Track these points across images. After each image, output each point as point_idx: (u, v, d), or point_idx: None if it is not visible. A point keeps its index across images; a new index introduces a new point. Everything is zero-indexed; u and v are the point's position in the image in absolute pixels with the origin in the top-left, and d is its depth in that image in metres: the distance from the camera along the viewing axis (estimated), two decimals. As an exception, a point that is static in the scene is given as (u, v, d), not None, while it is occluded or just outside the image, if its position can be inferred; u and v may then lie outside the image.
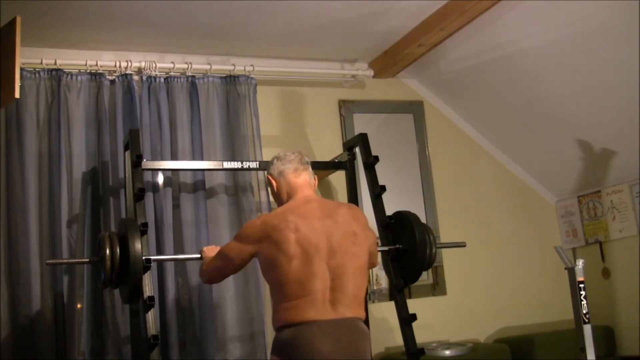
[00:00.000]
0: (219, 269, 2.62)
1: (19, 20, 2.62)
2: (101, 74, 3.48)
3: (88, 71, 3.46)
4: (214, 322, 3.40)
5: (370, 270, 3.46)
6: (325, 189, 3.97)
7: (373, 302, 3.90)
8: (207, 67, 3.70)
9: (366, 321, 3.34)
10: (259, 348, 3.43)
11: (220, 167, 3.39)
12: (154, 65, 3.57)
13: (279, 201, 2.62)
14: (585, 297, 2.85)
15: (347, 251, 2.41)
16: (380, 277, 3.95)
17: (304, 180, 2.58)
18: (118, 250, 2.63)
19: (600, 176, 4.19)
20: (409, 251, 3.06)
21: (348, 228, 2.45)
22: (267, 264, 2.43)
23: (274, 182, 2.61)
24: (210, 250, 2.79)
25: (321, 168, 3.84)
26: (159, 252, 3.36)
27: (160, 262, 3.33)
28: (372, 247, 2.64)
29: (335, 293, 2.35)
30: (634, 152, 3.86)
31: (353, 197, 3.60)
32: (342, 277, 2.37)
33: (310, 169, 2.62)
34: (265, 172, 2.68)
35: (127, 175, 3.17)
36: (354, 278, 2.40)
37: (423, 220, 3.51)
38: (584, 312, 2.84)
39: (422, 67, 4.17)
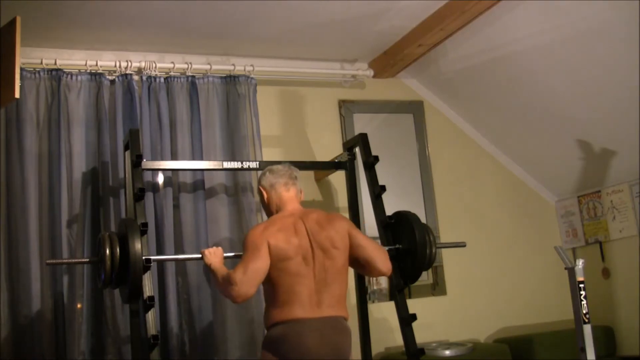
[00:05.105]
0: (258, 269, 2.53)
1: (19, 20, 2.62)
2: (101, 74, 3.48)
3: (88, 71, 3.46)
4: (214, 322, 3.40)
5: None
6: (325, 189, 3.97)
7: (373, 302, 3.90)
8: (207, 67, 3.70)
9: (366, 321, 3.39)
10: (258, 348, 3.42)
11: (220, 167, 3.39)
12: (154, 65, 3.57)
13: (268, 211, 2.84)
14: (585, 297, 2.85)
15: (326, 256, 2.64)
16: (381, 277, 3.95)
17: (292, 194, 2.79)
18: (118, 250, 2.63)
19: (600, 176, 4.18)
20: (409, 251, 3.06)
21: (328, 234, 2.66)
22: None
23: (265, 193, 2.81)
24: (213, 254, 2.73)
25: (321, 168, 3.85)
26: (159, 252, 3.36)
27: (160, 262, 3.33)
28: (366, 252, 2.71)
29: (321, 295, 2.60)
30: (634, 152, 3.86)
31: (353, 197, 3.60)
32: (326, 280, 2.61)
33: (298, 183, 2.84)
34: (258, 183, 2.89)
35: (127, 175, 3.17)
36: (336, 280, 2.64)
37: (423, 220, 3.51)
38: (584, 312, 2.84)
39: (422, 67, 4.17)
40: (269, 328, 2.62)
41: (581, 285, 2.87)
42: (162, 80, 3.60)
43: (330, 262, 2.63)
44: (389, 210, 3.22)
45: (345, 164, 3.60)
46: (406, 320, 3.03)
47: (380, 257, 2.73)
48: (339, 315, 2.63)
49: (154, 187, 3.45)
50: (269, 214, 2.82)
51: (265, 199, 2.81)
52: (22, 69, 3.23)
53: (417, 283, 3.39)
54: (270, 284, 2.60)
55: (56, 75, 3.39)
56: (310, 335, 2.52)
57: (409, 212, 3.16)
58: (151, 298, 2.74)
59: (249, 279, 2.51)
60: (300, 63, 4.00)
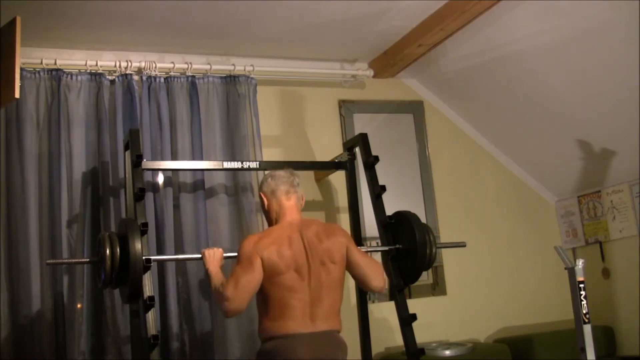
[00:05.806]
0: (249, 283, 2.55)
1: (19, 20, 2.62)
2: (101, 74, 3.48)
3: (88, 71, 3.46)
4: (214, 322, 3.40)
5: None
6: (325, 189, 3.97)
7: (373, 302, 3.89)
8: (207, 67, 3.70)
9: (366, 321, 3.39)
10: (258, 348, 3.42)
11: (220, 167, 3.39)
12: (154, 65, 3.57)
13: (268, 218, 2.84)
14: (585, 297, 2.85)
15: (323, 269, 2.64)
16: (380, 277, 3.95)
17: (293, 202, 2.78)
18: (118, 250, 2.63)
19: (600, 176, 4.19)
20: (409, 251, 3.06)
21: (326, 247, 2.67)
22: None
23: (265, 200, 2.80)
24: (212, 255, 2.75)
25: (321, 168, 3.85)
26: (159, 252, 3.36)
27: (160, 262, 3.33)
28: (361, 270, 2.75)
29: (314, 308, 2.59)
30: (634, 152, 3.86)
31: (353, 197, 3.60)
32: (319, 293, 2.61)
33: (299, 190, 2.82)
34: (259, 189, 2.88)
35: (127, 175, 3.17)
36: (331, 294, 2.64)
37: (423, 220, 3.51)
38: (584, 312, 2.84)
39: (422, 67, 4.17)
40: (263, 342, 2.64)
41: (581, 285, 2.87)
42: (162, 80, 3.59)
43: (327, 276, 2.64)
44: (389, 210, 3.22)
45: (345, 164, 3.60)
46: (406, 320, 3.03)
47: (374, 275, 2.77)
48: (333, 329, 2.63)
49: (154, 187, 3.45)
50: (269, 221, 2.82)
51: (265, 205, 2.81)
52: (22, 69, 3.23)
53: (417, 283, 3.38)
54: (264, 297, 2.61)
55: (56, 75, 3.39)
56: (303, 350, 2.52)
57: (409, 212, 3.16)
58: (151, 298, 2.74)
59: (241, 294, 2.53)
60: (300, 63, 4.00)
